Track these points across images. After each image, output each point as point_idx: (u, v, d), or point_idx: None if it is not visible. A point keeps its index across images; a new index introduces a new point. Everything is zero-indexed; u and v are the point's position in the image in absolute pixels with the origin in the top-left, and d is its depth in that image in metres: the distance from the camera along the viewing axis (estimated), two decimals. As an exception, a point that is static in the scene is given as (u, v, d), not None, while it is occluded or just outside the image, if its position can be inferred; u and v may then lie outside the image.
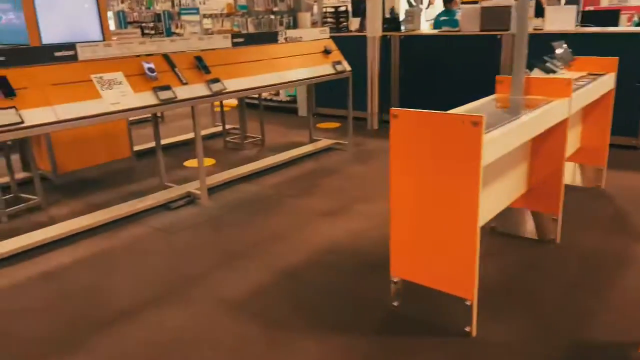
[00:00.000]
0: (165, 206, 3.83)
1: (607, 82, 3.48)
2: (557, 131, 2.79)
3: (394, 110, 2.17)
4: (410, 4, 10.24)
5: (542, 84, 2.82)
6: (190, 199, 3.94)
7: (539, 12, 5.28)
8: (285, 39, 4.78)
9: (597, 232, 3.10)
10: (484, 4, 5.33)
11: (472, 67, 5.51)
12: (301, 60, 4.75)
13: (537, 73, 3.16)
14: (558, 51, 3.43)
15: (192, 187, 4.05)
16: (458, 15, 5.90)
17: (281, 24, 7.23)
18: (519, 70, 2.80)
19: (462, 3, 8.74)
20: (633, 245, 2.91)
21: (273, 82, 4.36)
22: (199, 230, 3.43)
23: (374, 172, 4.53)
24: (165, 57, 3.72)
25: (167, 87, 3.52)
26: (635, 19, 6.10)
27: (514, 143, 2.28)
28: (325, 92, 6.62)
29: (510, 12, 5.11)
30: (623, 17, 6.37)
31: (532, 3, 5.05)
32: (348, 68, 5.04)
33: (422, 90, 5.98)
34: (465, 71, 5.57)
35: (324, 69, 4.86)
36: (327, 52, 4.96)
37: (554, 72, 3.17)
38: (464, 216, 2.05)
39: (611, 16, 5.74)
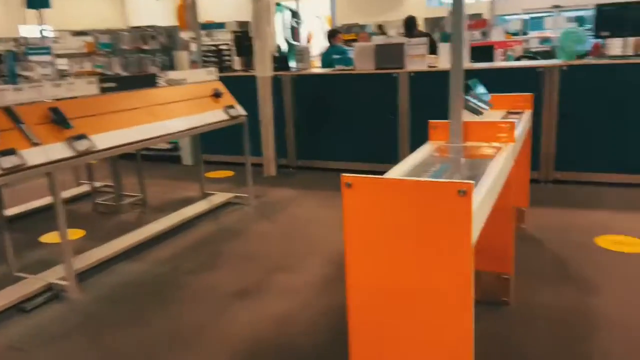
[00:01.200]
0: (18, 308, 2.85)
1: (529, 120, 3.33)
2: (506, 181, 2.48)
3: (347, 177, 1.64)
4: (288, 43, 10.04)
5: (481, 129, 2.51)
6: (53, 294, 2.99)
7: (433, 50, 5.22)
8: (167, 81, 4.07)
9: (546, 287, 2.83)
10: (377, 41, 5.13)
11: (370, 107, 5.25)
12: (188, 105, 4.06)
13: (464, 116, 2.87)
14: (479, 90, 3.21)
15: (55, 275, 3.10)
16: (351, 54, 5.66)
17: (154, 64, 6.43)
18: (456, 114, 2.46)
19: (346, 40, 8.73)
20: (588, 298, 2.68)
21: (156, 133, 3.61)
22: (69, 342, 2.53)
23: (285, 230, 3.95)
24: (7, 110, 2.82)
25: (10, 152, 2.62)
26: (510, 53, 6.40)
27: (489, 206, 1.86)
28: (212, 137, 5.94)
29: (403, 49, 4.96)
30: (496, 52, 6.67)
31: (426, 40, 4.97)
32: (243, 112, 4.45)
33: (320, 132, 5.59)
34: (364, 111, 5.30)
35: (215, 115, 4.22)
36: (217, 95, 4.33)
37: (481, 113, 2.91)
38: (450, 304, 1.56)
39: (486, 51, 5.91)
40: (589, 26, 17.11)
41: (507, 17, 16.17)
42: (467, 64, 4.80)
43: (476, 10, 12.49)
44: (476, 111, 2.81)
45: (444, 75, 4.85)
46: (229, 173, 5.79)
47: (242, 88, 5.54)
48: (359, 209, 1.63)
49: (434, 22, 21.12)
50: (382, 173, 5.50)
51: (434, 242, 1.54)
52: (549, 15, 21.30)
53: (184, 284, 3.11)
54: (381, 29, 10.83)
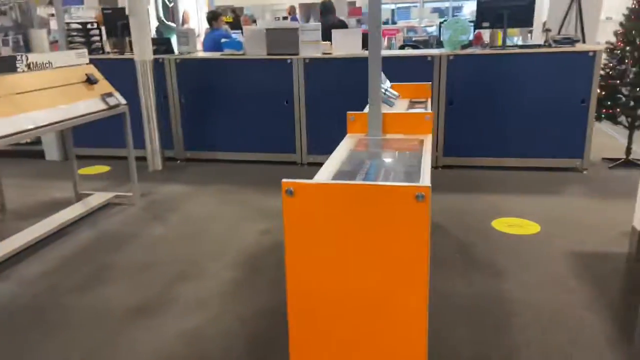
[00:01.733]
0: None
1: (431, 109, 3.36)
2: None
3: (288, 183, 1.42)
4: (163, 23, 9.29)
5: (399, 120, 2.43)
6: None
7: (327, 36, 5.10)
8: (28, 65, 3.43)
9: (456, 275, 2.89)
10: (269, 26, 4.88)
11: (264, 94, 5.01)
12: (56, 94, 3.47)
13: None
14: (387, 83, 3.15)
15: None
16: (241, 37, 5.34)
17: (5, 44, 5.49)
18: (375, 106, 2.35)
19: (227, 23, 8.30)
20: (496, 283, 2.77)
21: (18, 128, 3.01)
22: None
23: (182, 232, 3.58)
24: None
25: None
26: (393, 41, 6.57)
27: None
28: (83, 128, 5.25)
29: (297, 35, 4.78)
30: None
31: (318, 26, 4.83)
32: (123, 101, 3.94)
33: (210, 122, 5.21)
34: (257, 98, 5.04)
35: (90, 105, 3.66)
36: (91, 81, 3.77)
37: (393, 104, 2.85)
38: (407, 313, 1.44)
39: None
40: (444, 19, 18.29)
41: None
42: (358, 50, 4.78)
43: (349, -2, 12.54)
44: (389, 102, 2.74)
45: (339, 62, 4.82)
46: (103, 168, 5.18)
47: (118, 73, 4.96)
48: (302, 217, 1.43)
49: (307, 8, 21.27)
50: (279, 163, 5.34)
51: (388, 250, 1.40)
52: (414, 6, 22.63)
53: (68, 305, 2.65)
54: (235, 12, 10.49)
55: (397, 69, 4.65)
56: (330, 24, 5.71)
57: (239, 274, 2.94)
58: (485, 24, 4.56)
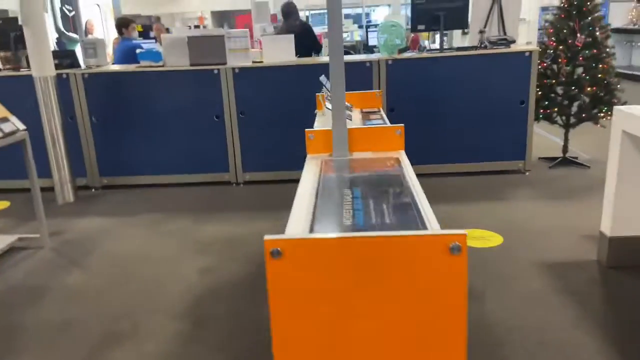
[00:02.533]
0: None
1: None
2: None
3: (273, 242, 1.04)
4: (63, 34, 8.41)
5: (365, 136, 2.11)
6: None
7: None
8: None
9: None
10: (192, 33, 4.41)
11: (190, 109, 4.51)
12: None
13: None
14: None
15: None
16: (159, 47, 4.80)
17: None
18: (341, 122, 2.01)
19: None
20: (482, 305, 2.54)
21: None
22: None
23: (106, 278, 3.03)
24: None
25: None
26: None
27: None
28: (-28, 160, 4.46)
29: (224, 42, 4.35)
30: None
31: (245, 32, 4.43)
32: (21, 127, 3.30)
33: (128, 142, 4.62)
34: (182, 114, 4.53)
35: (-21, 133, 3.01)
36: (-22, 105, 3.11)
37: (351, 117, 2.53)
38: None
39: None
40: (360, 24, 18.44)
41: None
42: (292, 58, 4.44)
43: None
44: (348, 115, 2.41)
45: (271, 71, 4.45)
46: (2, 204, 4.42)
47: (14, 93, 4.27)
48: (294, 284, 1.06)
49: (221, 16, 20.68)
50: (212, 184, 4.69)
51: (412, 319, 1.06)
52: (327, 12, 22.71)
53: (-38, 397, 2.05)
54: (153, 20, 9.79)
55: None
56: (291, 29, 5.32)
57: (184, 328, 2.48)
58: (421, 27, 4.40)
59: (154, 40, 7.26)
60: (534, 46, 4.28)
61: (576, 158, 4.70)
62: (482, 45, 4.35)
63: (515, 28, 5.85)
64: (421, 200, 1.47)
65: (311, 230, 1.23)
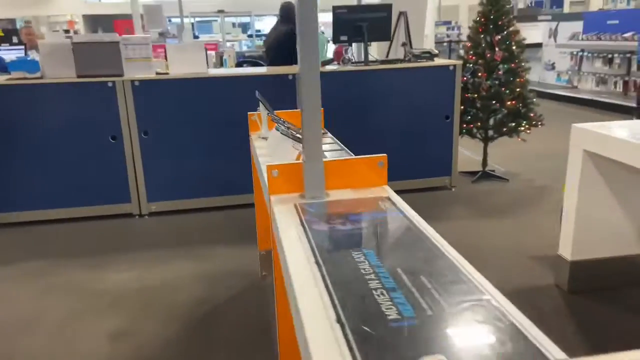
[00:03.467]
0: None
1: (332, 143, 2.71)
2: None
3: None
4: None
5: (340, 170, 1.71)
6: None
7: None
8: None
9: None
10: (78, 39, 3.66)
11: (78, 130, 3.76)
12: None
13: (294, 148, 2.03)
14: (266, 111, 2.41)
15: None
16: (35, 55, 3.95)
17: None
18: (316, 153, 1.60)
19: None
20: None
21: None
22: None
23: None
24: None
25: None
26: (225, 57, 5.77)
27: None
28: None
29: (119, 50, 3.67)
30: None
31: (148, 39, 3.78)
32: None
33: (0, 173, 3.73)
34: (68, 136, 3.76)
35: None
36: None
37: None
38: None
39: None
40: (249, 33, 18.03)
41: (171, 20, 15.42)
42: (203, 69, 3.90)
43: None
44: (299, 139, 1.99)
45: (178, 83, 3.86)
46: None
47: None
48: None
49: (95, 21, 18.96)
50: (110, 218, 3.96)
51: None
52: (214, 20, 21.98)
53: None
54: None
55: (258, 89, 3.92)
56: (280, 35, 4.65)
57: None
58: (343, 37, 4.12)
59: (20, 48, 6.19)
60: (456, 60, 4.21)
61: (493, 171, 4.74)
62: (407, 59, 4.18)
63: (420, 42, 5.84)
64: (461, 263, 1.11)
65: (350, 348, 0.81)
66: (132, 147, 3.85)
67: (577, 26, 9.69)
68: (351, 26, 4.07)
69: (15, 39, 7.48)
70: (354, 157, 1.72)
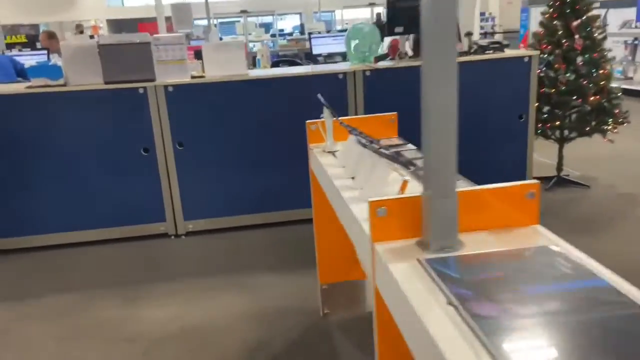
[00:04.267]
0: None
1: (414, 156, 2.22)
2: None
3: None
4: None
5: (475, 203, 1.22)
6: None
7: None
8: None
9: None
10: (105, 40, 3.25)
11: (107, 143, 3.35)
12: None
13: (390, 171, 1.55)
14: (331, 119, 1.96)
15: None
16: (57, 60, 3.57)
17: None
18: (446, 189, 1.10)
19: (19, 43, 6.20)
20: None
21: None
22: None
23: None
24: None
25: None
26: (258, 57, 5.32)
27: None
28: None
29: (150, 52, 3.25)
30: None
31: (182, 37, 3.35)
32: None
33: (18, 189, 3.35)
34: (96, 149, 3.36)
35: None
36: None
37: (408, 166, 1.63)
38: None
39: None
40: (271, 32, 17.61)
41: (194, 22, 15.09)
42: (244, 71, 3.44)
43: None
44: (411, 164, 1.49)
45: (215, 88, 3.41)
46: None
47: None
48: None
49: (119, 25, 18.85)
50: (143, 239, 3.61)
51: None
52: (237, 21, 21.70)
53: None
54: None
55: (305, 91, 3.45)
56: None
57: None
58: (399, 29, 3.61)
59: (43, 53, 5.86)
60: (532, 51, 3.66)
61: (568, 176, 4.17)
62: (472, 51, 3.66)
63: (472, 25, 5.28)
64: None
65: None
66: (166, 160, 3.43)
67: (630, 13, 8.97)
68: (408, 15, 3.56)
69: (38, 45, 7.21)
70: (490, 186, 1.22)
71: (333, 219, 2.39)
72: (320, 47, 5.70)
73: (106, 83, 3.26)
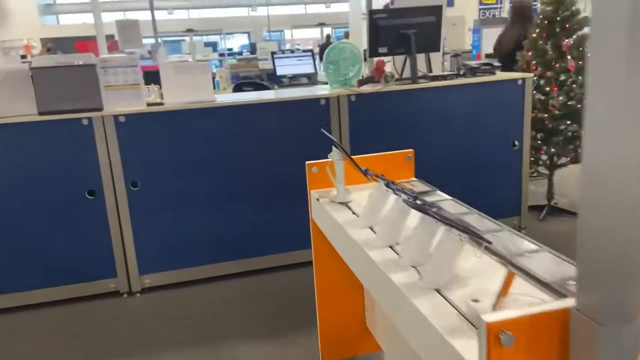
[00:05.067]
0: None
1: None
2: None
3: None
4: None
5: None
6: None
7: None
8: None
9: None
10: (37, 62, 2.66)
11: (43, 184, 2.75)
12: None
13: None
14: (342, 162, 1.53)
15: None
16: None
17: None
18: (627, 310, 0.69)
19: None
20: None
21: None
22: None
23: None
24: None
25: None
26: (217, 79, 4.81)
27: None
28: None
29: (96, 75, 2.69)
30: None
31: (134, 59, 2.81)
32: None
33: None
34: (28, 192, 2.75)
35: None
36: None
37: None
38: None
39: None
40: (219, 51, 17.08)
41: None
42: (211, 96, 2.95)
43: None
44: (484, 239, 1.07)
45: (176, 117, 2.89)
46: None
47: None
48: None
49: (54, 44, 17.71)
50: (93, 299, 3.20)
51: None
52: (182, 40, 20.96)
53: None
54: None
55: (282, 120, 3.02)
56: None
57: None
58: (382, 50, 3.25)
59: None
60: (526, 73, 3.40)
61: (557, 204, 3.92)
62: (462, 73, 3.34)
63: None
64: None
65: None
66: (117, 204, 2.86)
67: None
68: (393, 34, 3.21)
69: (-40, 66, 6.36)
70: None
71: (341, 283, 1.94)
72: (284, 67, 5.27)
73: (41, 114, 2.67)
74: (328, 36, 19.91)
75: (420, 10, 3.25)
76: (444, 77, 3.26)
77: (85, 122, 2.72)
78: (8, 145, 2.67)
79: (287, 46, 20.04)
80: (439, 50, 3.45)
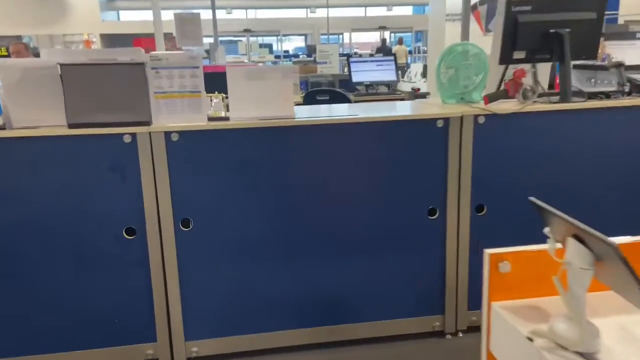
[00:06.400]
0: None
1: None
2: None
3: None
4: None
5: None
6: None
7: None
8: None
9: None
10: (70, 56, 2.00)
11: (70, 220, 2.09)
12: None
13: None
14: None
15: None
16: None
17: None
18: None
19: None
20: None
21: None
22: None
23: None
24: None
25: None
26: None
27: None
28: None
29: (145, 78, 2.00)
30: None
31: (196, 56, 2.12)
32: None
33: None
34: (50, 231, 2.09)
35: None
36: None
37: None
38: None
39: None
40: (274, 53, 16.59)
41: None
42: (291, 112, 2.21)
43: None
44: None
45: (244, 137, 2.17)
46: None
47: None
48: None
49: (113, 40, 17.65)
50: None
51: None
52: (239, 40, 20.63)
53: None
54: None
55: (383, 145, 2.24)
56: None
57: None
58: (519, 55, 2.41)
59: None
60: None
61: None
62: (627, 91, 2.46)
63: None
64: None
65: None
66: (161, 247, 2.16)
67: None
68: (538, 34, 2.36)
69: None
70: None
71: None
72: (361, 73, 4.50)
73: (70, 126, 2.00)
74: (384, 40, 19.04)
75: (578, 4, 2.38)
76: (606, 95, 2.38)
77: (127, 139, 2.03)
78: (26, 167, 2.02)
79: (346, 50, 19.33)
80: (595, 58, 2.57)
